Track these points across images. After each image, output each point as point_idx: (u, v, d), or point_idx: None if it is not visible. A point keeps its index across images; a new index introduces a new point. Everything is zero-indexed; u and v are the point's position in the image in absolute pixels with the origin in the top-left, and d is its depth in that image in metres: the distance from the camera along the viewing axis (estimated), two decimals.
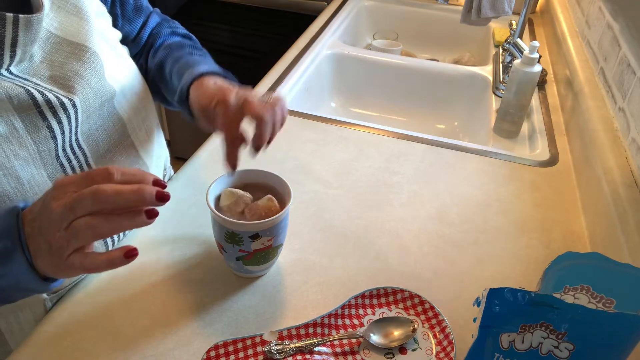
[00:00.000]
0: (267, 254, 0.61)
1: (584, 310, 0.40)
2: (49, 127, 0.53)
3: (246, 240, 0.58)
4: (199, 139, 0.91)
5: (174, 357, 0.55)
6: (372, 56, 1.27)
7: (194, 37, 0.78)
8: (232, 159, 0.59)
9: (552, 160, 0.90)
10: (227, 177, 0.62)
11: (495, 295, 0.41)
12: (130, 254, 0.42)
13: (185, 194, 0.77)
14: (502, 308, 0.41)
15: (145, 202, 0.41)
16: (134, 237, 0.69)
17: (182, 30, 0.77)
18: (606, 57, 0.91)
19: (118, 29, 0.66)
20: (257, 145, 0.58)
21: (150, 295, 0.62)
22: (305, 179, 0.83)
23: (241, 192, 0.61)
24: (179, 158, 1.21)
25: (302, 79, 1.15)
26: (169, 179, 0.80)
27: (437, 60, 1.46)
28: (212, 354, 0.55)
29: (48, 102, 0.52)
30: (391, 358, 0.56)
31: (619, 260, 0.48)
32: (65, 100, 0.53)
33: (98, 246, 0.60)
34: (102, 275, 0.63)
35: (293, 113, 0.99)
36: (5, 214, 0.44)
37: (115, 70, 0.61)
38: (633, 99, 0.75)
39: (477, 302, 0.45)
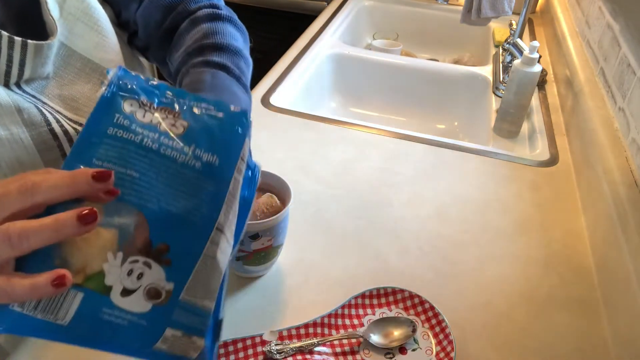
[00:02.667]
0: (267, 254, 0.61)
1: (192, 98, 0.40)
2: (60, 147, 0.51)
3: (246, 240, 0.58)
4: None
5: None
6: (372, 56, 1.27)
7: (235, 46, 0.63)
8: None
9: (552, 160, 0.90)
10: None
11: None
12: (59, 281, 0.31)
13: None
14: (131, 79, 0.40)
15: (80, 186, 0.33)
16: None
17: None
18: (606, 57, 0.91)
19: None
20: None
21: None
22: (305, 179, 0.83)
23: None
24: None
25: (302, 79, 1.15)
26: None
27: (437, 60, 1.46)
28: None
29: (58, 121, 0.50)
30: (391, 358, 0.56)
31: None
32: (78, 123, 0.52)
33: None
34: None
35: (293, 113, 0.99)
36: None
37: None
38: (633, 99, 0.75)
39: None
